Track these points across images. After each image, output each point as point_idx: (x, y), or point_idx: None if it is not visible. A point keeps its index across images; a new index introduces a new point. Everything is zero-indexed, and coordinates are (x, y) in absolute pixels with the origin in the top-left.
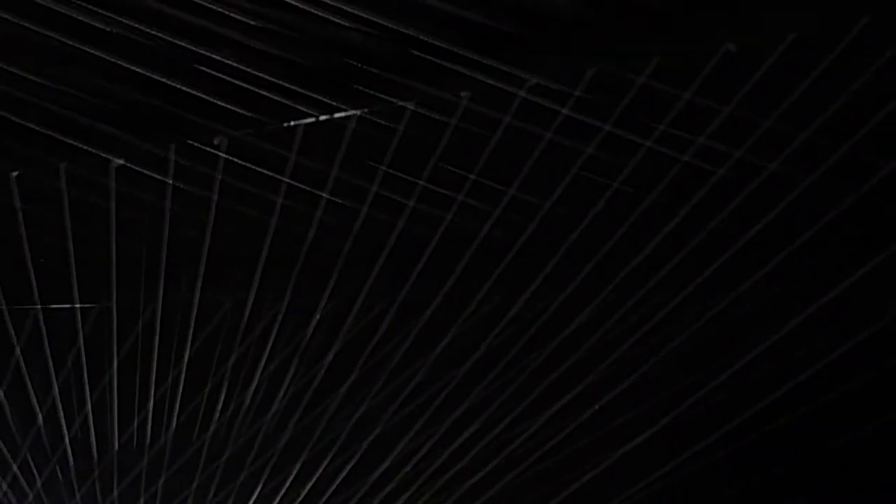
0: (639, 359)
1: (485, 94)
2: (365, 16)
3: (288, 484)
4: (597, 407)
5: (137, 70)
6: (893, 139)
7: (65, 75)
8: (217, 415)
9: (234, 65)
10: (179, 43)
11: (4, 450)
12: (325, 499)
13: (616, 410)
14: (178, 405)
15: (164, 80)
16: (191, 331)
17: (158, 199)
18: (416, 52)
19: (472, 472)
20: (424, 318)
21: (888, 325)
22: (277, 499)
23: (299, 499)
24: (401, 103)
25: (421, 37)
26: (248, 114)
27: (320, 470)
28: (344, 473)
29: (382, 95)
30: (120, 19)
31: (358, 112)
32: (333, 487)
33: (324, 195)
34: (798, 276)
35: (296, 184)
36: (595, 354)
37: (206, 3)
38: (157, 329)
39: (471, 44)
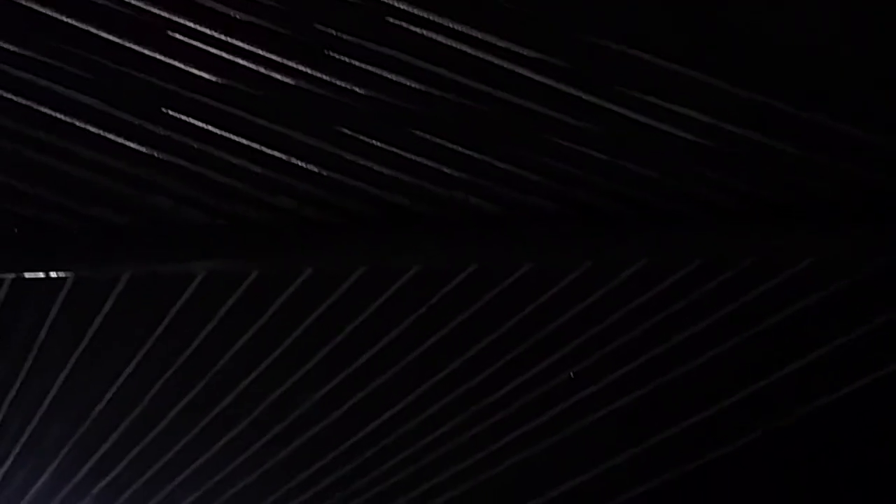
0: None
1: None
2: None
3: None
4: (572, 374)
5: (112, 38)
6: None
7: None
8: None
9: (212, 34)
10: (155, 11)
11: None
12: None
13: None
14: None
15: (140, 48)
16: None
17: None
18: (393, 20)
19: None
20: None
21: None
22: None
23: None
24: (380, 72)
25: (400, 6)
26: (226, 82)
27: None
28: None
29: (360, 64)
30: None
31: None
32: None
33: (300, 163)
34: None
35: (270, 151)
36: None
37: None
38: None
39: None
